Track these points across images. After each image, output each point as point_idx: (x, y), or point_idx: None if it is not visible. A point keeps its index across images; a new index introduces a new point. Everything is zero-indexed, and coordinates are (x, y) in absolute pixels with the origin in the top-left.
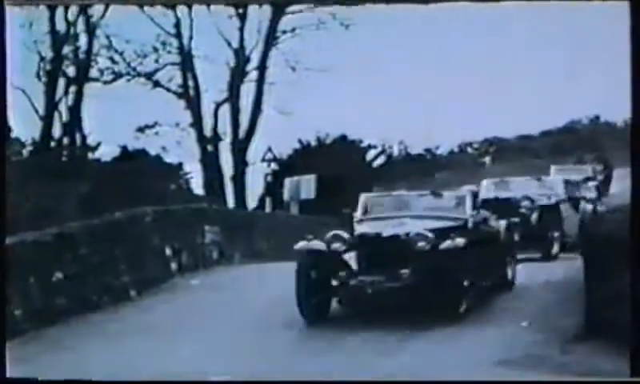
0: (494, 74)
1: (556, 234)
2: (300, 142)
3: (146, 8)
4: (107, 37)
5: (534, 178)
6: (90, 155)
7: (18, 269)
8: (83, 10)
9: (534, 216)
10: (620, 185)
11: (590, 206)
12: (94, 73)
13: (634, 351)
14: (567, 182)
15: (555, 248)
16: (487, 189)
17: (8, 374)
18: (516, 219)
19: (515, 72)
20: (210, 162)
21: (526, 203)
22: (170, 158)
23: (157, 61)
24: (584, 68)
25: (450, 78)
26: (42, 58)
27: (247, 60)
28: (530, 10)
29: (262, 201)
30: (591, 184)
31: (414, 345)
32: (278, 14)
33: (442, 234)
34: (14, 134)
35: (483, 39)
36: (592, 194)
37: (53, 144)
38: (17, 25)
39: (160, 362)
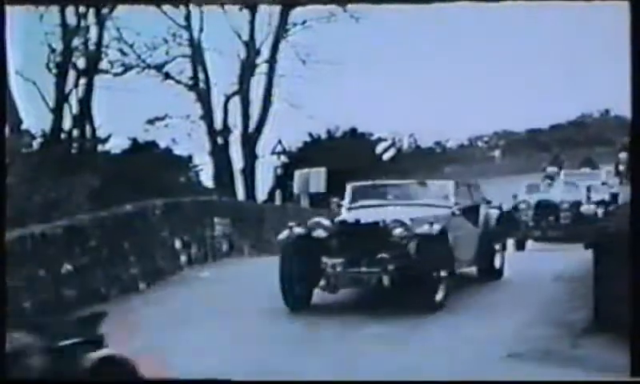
0: (503, 68)
1: (442, 274)
2: (310, 134)
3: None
4: (117, 29)
5: (416, 183)
6: (100, 147)
7: (27, 261)
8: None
9: (412, 247)
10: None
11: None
12: (104, 65)
13: (635, 351)
14: (467, 186)
15: (440, 294)
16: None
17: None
18: (385, 255)
19: (524, 66)
20: (219, 155)
21: (398, 231)
22: (179, 151)
23: (167, 53)
24: (590, 63)
25: (461, 72)
26: (53, 50)
27: (257, 53)
28: (536, 8)
29: (271, 194)
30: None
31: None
32: (288, 6)
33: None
34: (24, 126)
35: (493, 34)
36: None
37: (63, 136)
38: (27, 17)
39: (169, 354)
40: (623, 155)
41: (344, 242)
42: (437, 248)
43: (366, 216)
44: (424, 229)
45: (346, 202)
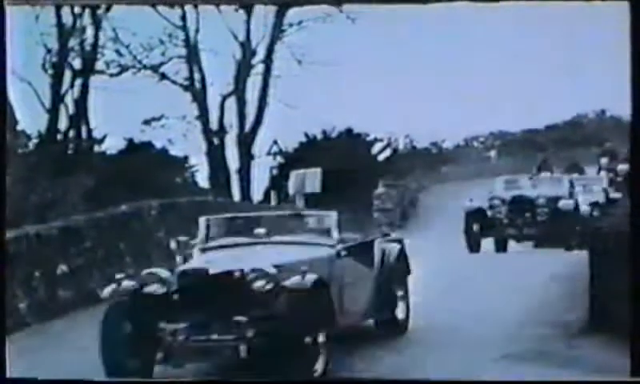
0: (498, 69)
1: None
2: (306, 135)
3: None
4: (113, 29)
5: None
6: (96, 148)
7: (22, 262)
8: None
9: (279, 304)
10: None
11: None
12: (100, 65)
13: (634, 351)
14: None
15: (319, 363)
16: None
17: (9, 371)
18: (241, 317)
19: (519, 66)
20: (215, 155)
21: (259, 284)
22: (175, 151)
23: (163, 53)
24: (587, 63)
25: (457, 73)
26: (48, 51)
27: (253, 53)
28: (534, 8)
29: (267, 194)
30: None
31: None
32: (284, 7)
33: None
34: (19, 127)
35: (489, 35)
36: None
37: (59, 137)
38: (22, 16)
39: None
40: (604, 160)
41: (188, 301)
42: (312, 304)
43: (220, 262)
44: (293, 281)
45: (198, 241)
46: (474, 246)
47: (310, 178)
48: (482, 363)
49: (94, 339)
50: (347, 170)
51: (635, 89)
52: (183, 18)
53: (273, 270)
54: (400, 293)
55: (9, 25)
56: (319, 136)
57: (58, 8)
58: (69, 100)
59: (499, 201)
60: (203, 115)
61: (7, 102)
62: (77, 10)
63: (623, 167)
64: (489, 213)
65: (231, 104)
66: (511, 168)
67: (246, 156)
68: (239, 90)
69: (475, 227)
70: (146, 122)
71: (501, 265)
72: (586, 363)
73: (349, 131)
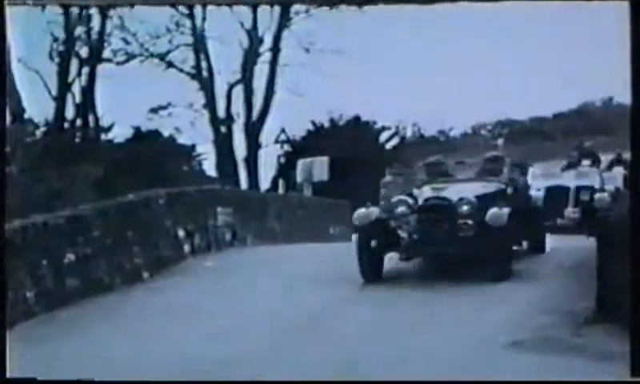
0: (507, 56)
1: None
2: (313, 123)
3: None
4: (120, 17)
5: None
6: (103, 136)
7: (29, 251)
8: None
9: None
10: None
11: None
12: (106, 54)
13: (634, 351)
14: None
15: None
16: None
17: (9, 369)
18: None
19: (528, 54)
20: (223, 144)
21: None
22: (183, 140)
23: (170, 42)
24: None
25: (464, 61)
26: (55, 39)
27: (260, 41)
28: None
29: (274, 183)
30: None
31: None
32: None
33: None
34: (27, 115)
35: (497, 22)
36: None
37: (66, 125)
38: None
39: (172, 344)
40: (586, 162)
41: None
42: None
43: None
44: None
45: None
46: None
47: (318, 167)
48: None
49: (101, 328)
50: (355, 158)
51: (635, 89)
52: (190, 6)
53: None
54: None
55: (13, 13)
56: (327, 124)
57: None
58: (76, 88)
59: (405, 207)
60: (210, 103)
61: (7, 97)
62: None
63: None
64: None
65: (238, 92)
66: (519, 156)
67: (254, 144)
68: (246, 79)
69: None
70: (153, 111)
71: None
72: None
73: (356, 119)
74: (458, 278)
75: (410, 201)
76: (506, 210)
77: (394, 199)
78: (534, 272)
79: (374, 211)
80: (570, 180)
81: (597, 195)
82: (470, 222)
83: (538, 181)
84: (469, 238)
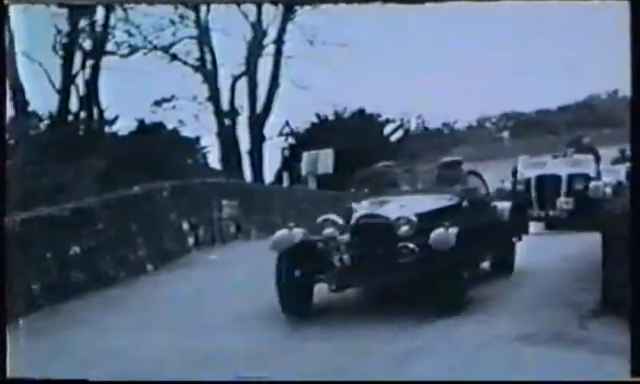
0: (512, 50)
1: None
2: (318, 116)
3: None
4: (124, 10)
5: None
6: (107, 129)
7: (34, 244)
8: None
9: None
10: None
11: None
12: (110, 46)
13: (634, 351)
14: None
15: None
16: None
17: (9, 366)
18: None
19: (534, 47)
20: (227, 136)
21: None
22: (187, 132)
23: (174, 34)
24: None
25: (469, 54)
26: (59, 32)
27: (264, 33)
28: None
29: (279, 175)
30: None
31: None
32: None
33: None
34: (30, 108)
35: (502, 15)
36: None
37: (70, 118)
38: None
39: (176, 335)
40: (570, 150)
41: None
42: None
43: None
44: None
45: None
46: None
47: (323, 159)
48: None
49: (105, 320)
50: (359, 150)
51: (635, 89)
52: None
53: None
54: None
55: (17, 6)
56: (331, 117)
57: None
58: (80, 81)
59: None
60: (214, 96)
61: (6, 101)
62: None
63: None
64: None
65: (242, 85)
66: (524, 149)
67: (258, 137)
68: (250, 71)
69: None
70: (157, 103)
71: None
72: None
73: (361, 112)
74: (398, 312)
75: (340, 220)
76: (453, 231)
77: (320, 218)
78: (491, 302)
79: (297, 233)
80: (562, 168)
81: (592, 184)
82: (410, 245)
83: (529, 170)
84: (410, 264)
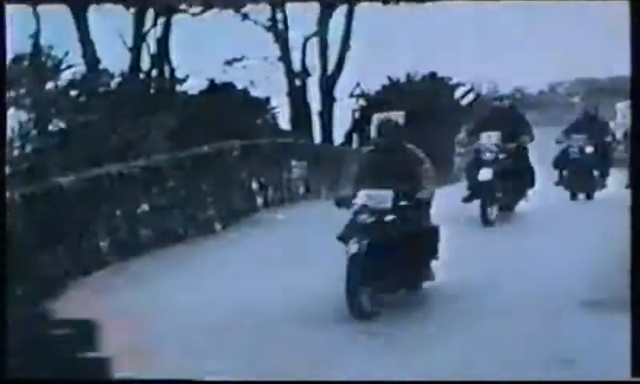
0: (584, 14)
1: None
2: (389, 78)
3: None
4: None
5: None
6: (178, 88)
7: (104, 200)
8: None
9: None
10: None
11: None
12: (182, 5)
13: (634, 351)
14: None
15: None
16: None
17: (10, 364)
18: None
19: (604, 13)
20: (297, 97)
21: None
22: (257, 92)
23: None
24: None
25: (541, 19)
26: None
27: None
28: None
29: (349, 137)
30: None
31: None
32: None
33: None
34: (102, 66)
35: None
36: None
37: (141, 76)
38: None
39: (242, 296)
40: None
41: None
42: None
43: None
44: None
45: None
46: None
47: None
48: None
49: (172, 278)
50: (430, 113)
51: (635, 89)
52: None
53: None
54: None
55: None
56: (402, 79)
57: None
58: (151, 39)
59: None
60: (285, 56)
61: (5, 101)
62: None
63: None
64: None
65: (314, 45)
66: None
67: (328, 98)
68: (322, 31)
69: None
70: (228, 63)
71: None
72: None
73: (432, 75)
74: None
75: None
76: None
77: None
78: None
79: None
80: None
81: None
82: None
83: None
84: None
